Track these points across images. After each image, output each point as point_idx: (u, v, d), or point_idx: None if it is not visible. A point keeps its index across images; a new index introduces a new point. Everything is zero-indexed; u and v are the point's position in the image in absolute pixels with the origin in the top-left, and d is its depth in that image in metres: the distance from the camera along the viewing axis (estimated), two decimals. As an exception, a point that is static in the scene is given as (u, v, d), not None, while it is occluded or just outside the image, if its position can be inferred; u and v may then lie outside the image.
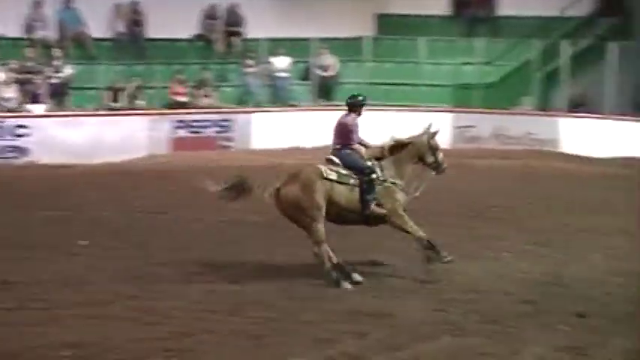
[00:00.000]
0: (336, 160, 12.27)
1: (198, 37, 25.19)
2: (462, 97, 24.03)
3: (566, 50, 23.19)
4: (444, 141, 22.88)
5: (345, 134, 12.41)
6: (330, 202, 11.89)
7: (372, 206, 12.06)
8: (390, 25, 26.04)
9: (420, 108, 23.49)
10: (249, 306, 10.61)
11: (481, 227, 15.07)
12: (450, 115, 23.33)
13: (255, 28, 24.83)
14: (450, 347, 9.61)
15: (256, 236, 14.17)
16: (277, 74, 24.54)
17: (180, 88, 23.74)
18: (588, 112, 22.59)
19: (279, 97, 24.62)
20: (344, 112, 12.64)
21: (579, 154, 21.56)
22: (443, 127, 22.88)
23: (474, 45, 24.16)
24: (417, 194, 12.44)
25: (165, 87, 23.73)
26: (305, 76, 25.10)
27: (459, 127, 23.09)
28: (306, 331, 9.91)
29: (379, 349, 9.48)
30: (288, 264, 12.56)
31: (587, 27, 24.57)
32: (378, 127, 23.13)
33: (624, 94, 22.27)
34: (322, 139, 23.34)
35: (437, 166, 12.66)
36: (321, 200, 11.81)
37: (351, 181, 12.06)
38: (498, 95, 23.72)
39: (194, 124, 23.15)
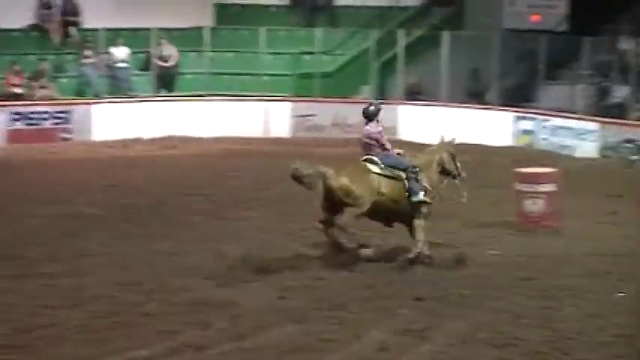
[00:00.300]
0: (376, 159, 12.40)
1: (34, 28, 24.63)
2: (302, 86, 24.26)
3: (402, 40, 23.68)
4: (284, 130, 23.37)
5: (375, 144, 12.61)
6: (380, 194, 12.14)
7: (421, 195, 12.27)
8: (229, 15, 26.05)
9: (261, 97, 23.63)
10: (91, 300, 10.52)
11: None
12: (289, 105, 23.54)
13: (93, 18, 24.44)
14: (293, 334, 9.75)
15: (95, 229, 14.03)
16: (116, 65, 24.24)
17: (15, 80, 23.19)
18: (424, 100, 23.15)
19: (118, 87, 24.32)
20: (364, 123, 12.78)
21: (417, 141, 22.07)
22: (283, 116, 23.34)
23: (313, 35, 24.40)
24: (465, 200, 12.83)
25: (0, 78, 23.15)
26: (145, 66, 24.88)
27: (299, 116, 23.33)
28: (149, 323, 9.90)
29: (223, 338, 9.56)
30: (129, 257, 12.49)
31: (422, 17, 25.17)
32: (221, 117, 23.32)
33: (458, 83, 22.90)
34: (163, 129, 23.33)
35: (457, 175, 12.95)
36: (369, 191, 12.05)
37: (395, 172, 12.34)
38: (337, 84, 24.05)
39: (31, 115, 22.67)
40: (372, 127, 12.72)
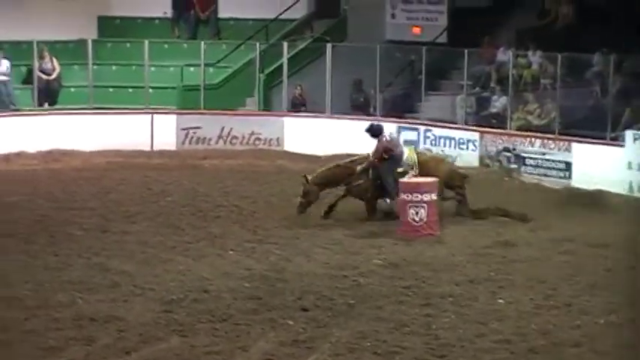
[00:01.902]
0: None
1: None
2: (187, 98, 24.19)
3: (286, 51, 23.84)
4: (170, 142, 23.27)
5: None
6: None
7: None
8: (112, 27, 25.84)
9: (147, 110, 23.49)
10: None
11: (207, 226, 15.33)
12: (175, 117, 23.46)
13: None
14: (179, 348, 9.79)
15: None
16: (-3, 78, 23.81)
17: None
18: (309, 112, 23.33)
19: (0, 101, 23.89)
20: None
21: (302, 153, 22.24)
22: (168, 128, 23.23)
23: (198, 47, 24.37)
24: None
25: None
26: (27, 79, 24.50)
27: (185, 129, 23.26)
28: (32, 340, 9.81)
29: (108, 353, 9.54)
30: (11, 272, 12.34)
31: (305, 28, 25.38)
32: (105, 131, 23.09)
33: (341, 94, 23.14)
34: (46, 143, 22.98)
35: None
36: None
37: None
38: (222, 96, 24.05)
39: None
40: (380, 143, 15.61)
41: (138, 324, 10.41)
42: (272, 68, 24.16)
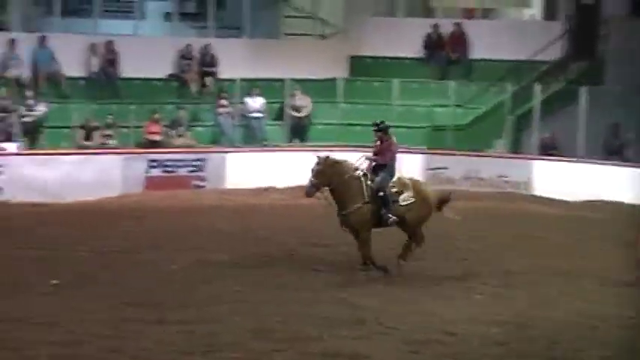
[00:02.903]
0: None
1: (173, 77, 25.24)
2: (435, 139, 24.16)
3: (538, 94, 23.40)
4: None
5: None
6: None
7: None
8: (363, 66, 26.18)
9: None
10: (224, 347, 10.57)
11: (453, 269, 15.12)
12: (422, 157, 23.45)
13: (230, 69, 24.90)
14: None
15: (227, 276, 14.14)
16: (251, 114, 24.61)
17: (154, 127, 23.75)
18: (560, 156, 22.78)
19: (252, 137, 24.67)
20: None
21: (551, 197, 21.70)
22: (415, 168, 23.24)
23: (447, 87, 24.32)
24: None
25: (139, 126, 23.73)
26: (279, 116, 25.19)
27: (432, 169, 23.20)
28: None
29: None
30: (261, 304, 12.55)
31: (559, 71, 24.85)
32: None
33: (595, 138, 22.47)
34: (295, 179, 23.46)
35: None
36: None
37: None
38: (471, 137, 23.87)
39: (168, 163, 23.12)
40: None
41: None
42: (523, 110, 23.77)
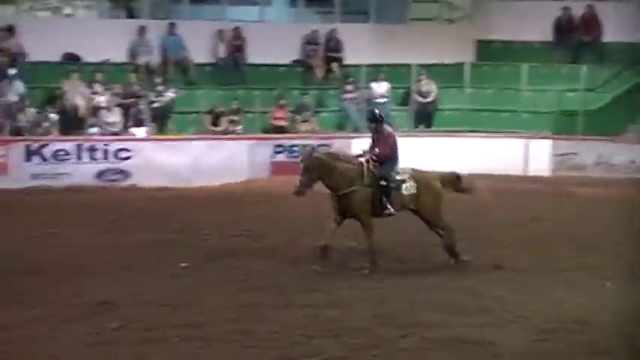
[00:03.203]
0: None
1: (298, 63, 25.33)
2: (563, 124, 23.67)
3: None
4: (543, 168, 22.81)
5: None
6: None
7: None
8: (490, 51, 25.79)
9: (521, 135, 23.22)
10: (349, 332, 10.55)
11: (583, 256, 14.77)
12: (550, 143, 23.00)
13: (355, 54, 24.87)
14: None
15: (354, 261, 14.10)
16: (376, 100, 24.52)
17: (280, 113, 23.89)
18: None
19: (377, 122, 24.55)
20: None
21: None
22: (542, 154, 22.81)
23: (578, 72, 23.78)
24: None
25: (265, 112, 23.91)
26: (404, 101, 25.04)
27: (560, 155, 22.74)
28: (405, 358, 9.81)
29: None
30: (386, 290, 12.48)
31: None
32: (478, 154, 23.06)
33: None
34: (420, 165, 23.27)
35: None
36: None
37: None
38: (602, 122, 23.29)
39: (293, 148, 23.24)
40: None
41: (509, 351, 10.14)
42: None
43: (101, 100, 22.74)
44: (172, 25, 24.28)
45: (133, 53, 23.98)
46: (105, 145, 21.86)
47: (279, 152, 23.17)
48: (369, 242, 13.69)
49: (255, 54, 24.50)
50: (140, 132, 22.60)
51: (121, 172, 21.72)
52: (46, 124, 22.18)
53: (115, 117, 22.67)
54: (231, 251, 14.80)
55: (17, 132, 22.07)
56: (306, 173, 13.56)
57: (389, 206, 13.68)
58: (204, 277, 13.10)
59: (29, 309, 11.37)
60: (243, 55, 24.74)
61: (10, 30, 22.97)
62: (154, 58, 24.07)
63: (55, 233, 16.09)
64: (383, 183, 13.69)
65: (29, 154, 21.60)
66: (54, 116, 22.27)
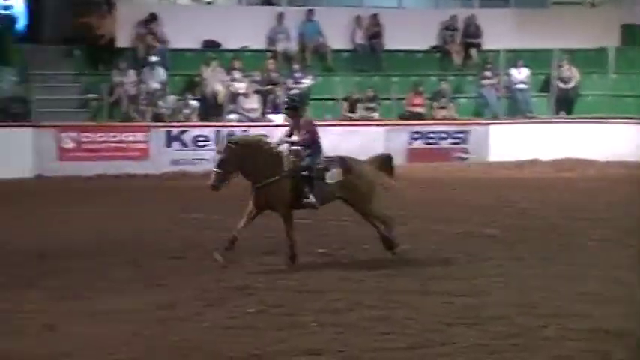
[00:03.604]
0: None
1: (436, 49, 25.14)
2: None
3: None
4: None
5: None
6: None
7: None
8: (636, 35, 25.13)
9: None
10: (487, 320, 10.40)
11: None
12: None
13: (494, 40, 24.56)
14: None
15: (491, 250, 13.94)
16: (516, 86, 24.16)
17: (417, 99, 23.77)
18: None
19: (517, 109, 24.23)
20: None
21: None
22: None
23: None
24: None
25: (401, 98, 23.82)
26: (544, 87, 24.61)
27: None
28: (546, 347, 9.62)
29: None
30: (525, 279, 12.29)
31: None
32: (621, 141, 22.51)
33: None
34: (560, 152, 22.90)
35: None
36: None
37: None
38: None
39: (430, 135, 23.10)
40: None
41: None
42: None
43: (240, 86, 23.04)
44: (310, 11, 24.39)
45: (271, 40, 24.20)
46: (244, 131, 22.10)
47: (416, 139, 23.07)
48: (289, 235, 12.84)
49: (393, 40, 24.43)
50: (278, 118, 22.78)
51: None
52: (187, 111, 22.60)
53: (253, 103, 22.93)
54: (368, 237, 14.75)
55: (158, 118, 22.54)
56: (224, 165, 12.59)
57: (310, 196, 12.78)
58: (344, 263, 13.13)
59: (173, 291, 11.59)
60: (380, 41, 24.70)
61: (152, 18, 23.45)
62: (292, 45, 24.25)
63: (197, 218, 16.40)
64: (304, 173, 12.79)
65: (170, 140, 22.04)
66: (194, 103, 22.67)
